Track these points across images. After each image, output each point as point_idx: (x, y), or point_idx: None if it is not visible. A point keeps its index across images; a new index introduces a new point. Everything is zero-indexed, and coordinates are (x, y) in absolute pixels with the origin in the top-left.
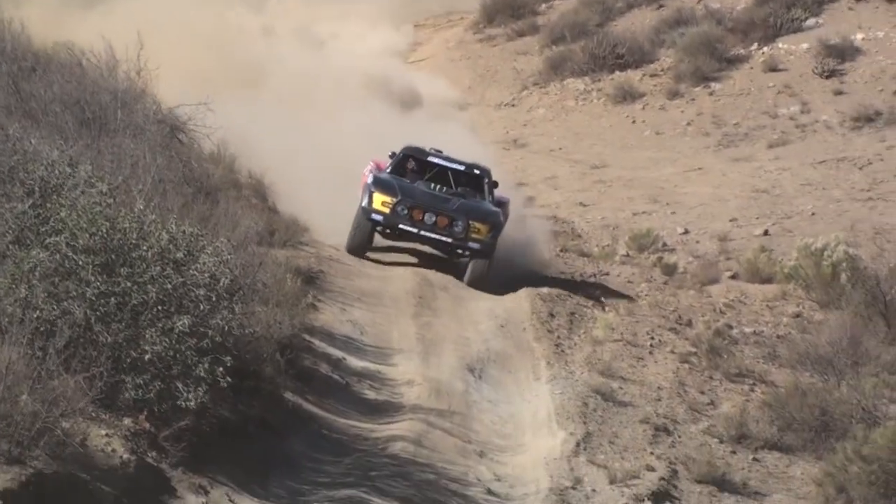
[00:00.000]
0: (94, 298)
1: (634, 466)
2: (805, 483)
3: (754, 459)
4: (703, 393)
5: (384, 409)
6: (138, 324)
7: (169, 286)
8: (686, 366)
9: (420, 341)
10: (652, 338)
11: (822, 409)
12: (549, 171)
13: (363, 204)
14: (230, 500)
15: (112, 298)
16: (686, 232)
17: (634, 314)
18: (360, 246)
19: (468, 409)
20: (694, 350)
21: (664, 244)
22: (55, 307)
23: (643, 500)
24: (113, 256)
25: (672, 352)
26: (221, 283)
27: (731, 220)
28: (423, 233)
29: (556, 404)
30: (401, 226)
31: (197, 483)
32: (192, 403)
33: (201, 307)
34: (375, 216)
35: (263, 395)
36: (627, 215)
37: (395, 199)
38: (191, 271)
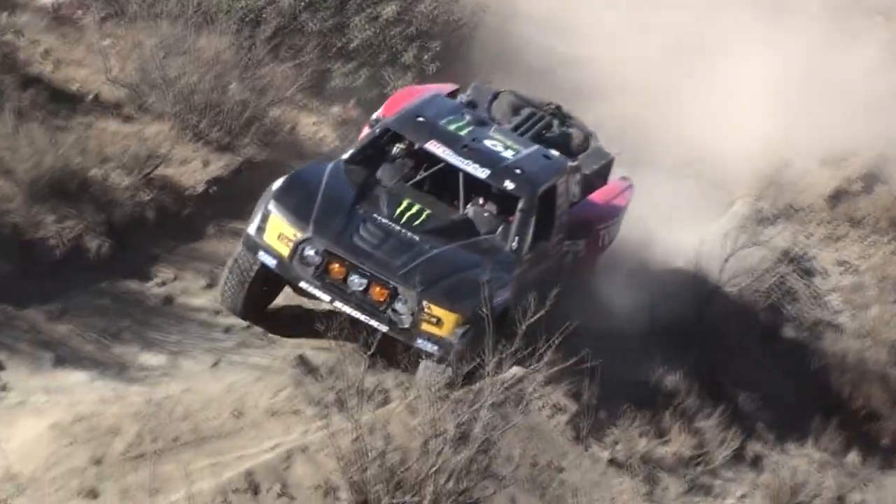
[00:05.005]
0: None
1: (843, 148)
2: None
3: None
4: None
5: None
6: (344, 11)
7: None
8: None
9: None
10: None
11: None
12: None
13: (249, 229)
14: None
15: None
16: None
17: None
18: (234, 300)
19: None
20: None
21: None
22: None
23: (854, 181)
24: None
25: None
26: None
27: None
28: (339, 304)
29: None
30: (304, 284)
31: None
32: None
33: None
34: (265, 256)
35: None
36: None
37: (301, 234)
38: None
